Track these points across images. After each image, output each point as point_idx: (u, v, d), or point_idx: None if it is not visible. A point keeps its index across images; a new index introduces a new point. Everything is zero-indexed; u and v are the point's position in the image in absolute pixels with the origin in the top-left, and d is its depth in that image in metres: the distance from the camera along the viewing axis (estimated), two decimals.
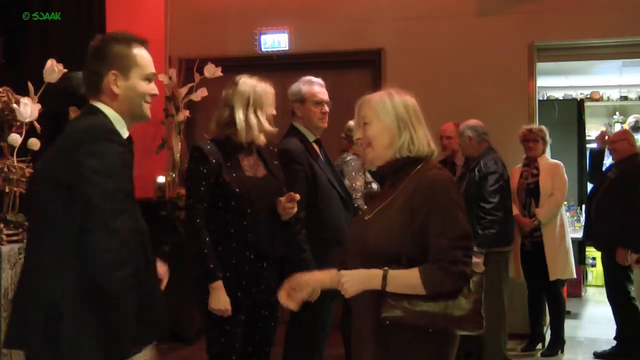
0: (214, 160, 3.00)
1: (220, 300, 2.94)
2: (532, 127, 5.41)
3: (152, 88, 2.20)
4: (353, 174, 4.12)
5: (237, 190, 3.00)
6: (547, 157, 5.39)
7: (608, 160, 5.79)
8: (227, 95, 3.13)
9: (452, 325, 2.07)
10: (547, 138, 5.36)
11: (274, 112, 3.18)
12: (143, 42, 2.21)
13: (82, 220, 2.00)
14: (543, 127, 5.40)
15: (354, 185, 4.04)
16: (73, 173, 2.02)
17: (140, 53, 2.19)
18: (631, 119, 8.04)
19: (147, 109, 2.20)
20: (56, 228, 2.07)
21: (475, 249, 3.96)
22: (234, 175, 3.02)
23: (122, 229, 2.03)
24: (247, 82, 3.12)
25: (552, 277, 5.19)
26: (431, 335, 2.08)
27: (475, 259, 3.59)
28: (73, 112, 2.60)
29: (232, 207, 3.01)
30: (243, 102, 3.08)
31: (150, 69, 2.20)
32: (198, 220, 2.94)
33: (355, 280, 2.13)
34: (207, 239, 2.95)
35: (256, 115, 3.08)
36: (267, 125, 3.11)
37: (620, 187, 5.05)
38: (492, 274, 4.00)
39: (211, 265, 2.93)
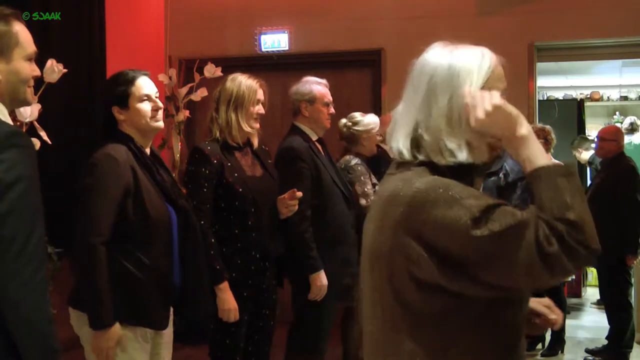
0: (215, 161, 2.99)
1: (228, 301, 2.93)
2: (534, 126, 5.40)
3: (35, 69, 1.93)
4: (362, 178, 4.09)
5: (241, 190, 3.00)
6: (551, 157, 5.37)
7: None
8: (215, 93, 3.15)
9: None
10: (550, 137, 5.34)
11: (261, 110, 3.13)
12: (19, 16, 1.91)
13: None
14: (546, 126, 5.38)
15: (365, 190, 4.04)
16: None
17: (22, 30, 1.88)
18: (627, 121, 8.04)
19: (29, 94, 1.93)
20: None
21: None
22: (236, 175, 3.02)
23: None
24: (235, 80, 3.11)
25: None
26: None
27: None
28: (118, 113, 2.54)
29: (235, 207, 3.01)
30: (225, 100, 3.08)
31: (32, 47, 1.91)
32: (203, 222, 2.92)
33: None
34: (213, 240, 2.94)
35: (236, 114, 3.07)
36: (245, 125, 3.07)
37: (607, 188, 5.03)
38: None
39: (217, 267, 2.92)
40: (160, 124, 2.62)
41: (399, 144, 1.52)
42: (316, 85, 3.61)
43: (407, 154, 1.50)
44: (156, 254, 2.45)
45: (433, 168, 1.47)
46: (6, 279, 1.64)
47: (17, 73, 1.85)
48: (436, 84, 1.49)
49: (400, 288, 1.44)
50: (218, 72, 5.80)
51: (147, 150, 2.62)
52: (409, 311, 1.45)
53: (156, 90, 2.64)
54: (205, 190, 2.97)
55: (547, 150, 5.36)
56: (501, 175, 3.87)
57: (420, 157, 1.49)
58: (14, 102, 1.90)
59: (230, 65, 5.87)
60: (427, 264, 1.39)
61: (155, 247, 2.45)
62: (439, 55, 1.52)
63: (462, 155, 1.45)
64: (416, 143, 1.50)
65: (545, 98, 8.75)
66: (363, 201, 3.96)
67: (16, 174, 1.66)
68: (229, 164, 3.02)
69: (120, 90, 2.55)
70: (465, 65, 1.50)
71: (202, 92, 5.87)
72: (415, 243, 1.39)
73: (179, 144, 6.04)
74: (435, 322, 1.43)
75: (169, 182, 2.60)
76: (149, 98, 2.59)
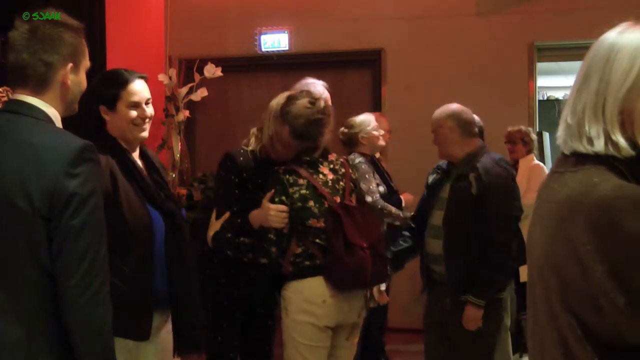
0: (244, 174, 2.94)
1: (266, 212, 2.77)
2: (511, 129, 5.42)
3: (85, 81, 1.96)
4: (367, 176, 4.14)
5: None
6: (533, 159, 5.39)
7: None
8: None
9: None
10: (530, 139, 5.34)
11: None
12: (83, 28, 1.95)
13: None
14: (526, 128, 5.40)
15: (371, 187, 4.07)
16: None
17: (84, 42, 1.95)
18: None
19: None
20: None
21: None
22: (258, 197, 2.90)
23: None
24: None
25: (522, 279, 5.14)
26: None
27: None
28: (104, 113, 2.47)
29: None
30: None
31: (88, 59, 1.96)
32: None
33: None
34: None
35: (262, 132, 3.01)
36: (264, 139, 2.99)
37: None
38: None
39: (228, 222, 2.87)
40: (145, 134, 2.50)
41: (560, 132, 1.36)
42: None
43: (561, 143, 1.35)
44: (135, 261, 2.34)
45: (611, 165, 1.27)
46: (78, 292, 1.67)
47: (80, 84, 1.91)
48: (592, 63, 1.33)
49: (577, 309, 1.26)
50: (218, 72, 5.81)
51: (137, 152, 2.53)
52: (591, 343, 1.25)
53: (149, 96, 2.53)
54: (233, 195, 2.92)
55: (529, 152, 5.36)
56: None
57: (596, 149, 1.30)
58: (67, 111, 1.93)
59: (230, 65, 5.89)
60: (612, 289, 1.20)
61: (134, 254, 2.34)
62: (610, 33, 1.36)
63: (599, 145, 1.29)
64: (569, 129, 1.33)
65: (545, 98, 8.75)
66: (369, 198, 3.98)
67: (90, 188, 1.68)
68: (259, 181, 2.94)
69: (111, 92, 2.46)
70: (627, 46, 1.33)
71: (202, 92, 5.88)
72: (599, 266, 1.20)
73: (179, 144, 6.04)
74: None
75: (157, 185, 2.48)
76: (137, 105, 2.48)
